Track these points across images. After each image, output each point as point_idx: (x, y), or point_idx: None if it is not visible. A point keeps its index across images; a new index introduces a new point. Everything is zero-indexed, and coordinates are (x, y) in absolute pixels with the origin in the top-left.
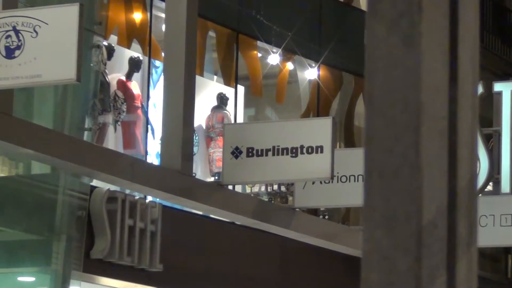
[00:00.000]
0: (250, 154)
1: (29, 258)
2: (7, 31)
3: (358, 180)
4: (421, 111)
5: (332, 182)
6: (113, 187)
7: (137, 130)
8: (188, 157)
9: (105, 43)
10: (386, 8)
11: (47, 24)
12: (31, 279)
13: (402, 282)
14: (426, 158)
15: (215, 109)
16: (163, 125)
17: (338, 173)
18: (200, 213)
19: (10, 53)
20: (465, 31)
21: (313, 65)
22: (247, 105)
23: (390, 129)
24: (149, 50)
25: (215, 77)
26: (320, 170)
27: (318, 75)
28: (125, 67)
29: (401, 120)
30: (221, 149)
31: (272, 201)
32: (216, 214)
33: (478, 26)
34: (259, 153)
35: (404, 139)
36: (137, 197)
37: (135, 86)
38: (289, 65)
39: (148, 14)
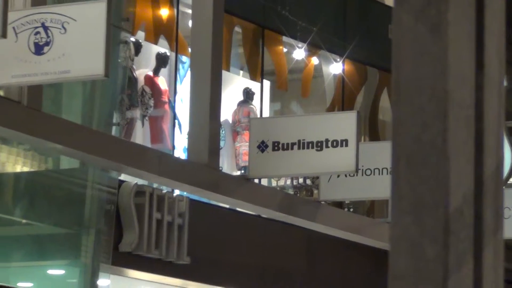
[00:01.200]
0: (276, 148)
1: (58, 251)
2: (36, 27)
3: (382, 173)
4: (448, 99)
5: (356, 175)
6: (141, 181)
7: (164, 125)
8: (214, 151)
9: (132, 39)
10: None
11: (75, 20)
12: (60, 272)
13: (429, 269)
14: (453, 146)
15: (241, 103)
16: (190, 119)
17: (362, 166)
18: (227, 206)
19: (39, 49)
20: (491, 20)
21: (338, 59)
22: (273, 99)
23: (417, 117)
24: (176, 46)
25: (241, 72)
26: (345, 164)
27: (343, 70)
28: (152, 63)
29: (428, 108)
30: (247, 143)
31: (298, 195)
32: (243, 208)
33: (505, 14)
34: (285, 147)
35: (431, 127)
36: (164, 191)
37: (162, 82)
38: (314, 60)
39: (175, 10)
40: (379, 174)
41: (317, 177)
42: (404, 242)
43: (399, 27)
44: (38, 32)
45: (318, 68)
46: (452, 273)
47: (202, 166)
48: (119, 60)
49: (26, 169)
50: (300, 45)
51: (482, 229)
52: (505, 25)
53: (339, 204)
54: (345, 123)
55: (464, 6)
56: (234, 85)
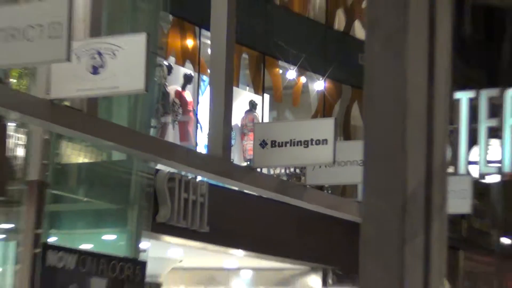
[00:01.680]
0: (273, 145)
1: (111, 221)
2: (93, 53)
3: (353, 164)
4: (407, 107)
5: (334, 165)
6: (172, 170)
7: (190, 128)
8: (227, 147)
9: (165, 62)
10: (381, 29)
11: (122, 48)
12: (113, 237)
13: (391, 237)
14: (410, 143)
15: (247, 112)
16: (209, 124)
17: (338, 159)
18: (236, 189)
19: (95, 70)
20: (440, 47)
21: (320, 79)
22: (271, 108)
23: (383, 121)
24: (199, 68)
25: (248, 88)
26: (325, 157)
27: (324, 87)
28: (181, 81)
29: (391, 114)
30: (252, 142)
31: (290, 180)
32: (248, 190)
33: (451, 43)
34: (280, 145)
35: (394, 128)
36: (190, 177)
37: (188, 95)
38: (303, 79)
39: (198, 41)
40: (350, 165)
41: (304, 167)
42: (372, 216)
43: (370, 52)
44: (94, 57)
45: (305, 85)
46: (408, 241)
47: (218, 159)
48: (155, 79)
49: (86, 160)
50: (292, 68)
51: (431, 207)
52: (451, 51)
53: (321, 187)
54: (325, 127)
55: (420, 37)
56: (242, 98)
